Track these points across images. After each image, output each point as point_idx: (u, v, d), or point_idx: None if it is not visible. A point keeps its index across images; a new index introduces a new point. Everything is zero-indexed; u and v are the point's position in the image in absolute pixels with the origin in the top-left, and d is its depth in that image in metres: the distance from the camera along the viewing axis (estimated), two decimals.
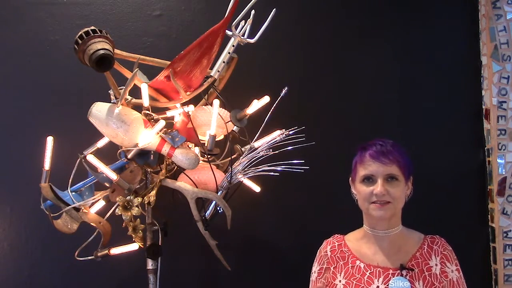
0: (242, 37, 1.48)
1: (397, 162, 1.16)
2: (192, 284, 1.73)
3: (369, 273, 1.16)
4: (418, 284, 1.11)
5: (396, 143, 1.20)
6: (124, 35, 1.77)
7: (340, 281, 1.19)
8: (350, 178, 1.26)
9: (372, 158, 1.16)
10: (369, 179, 1.16)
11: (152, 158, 1.38)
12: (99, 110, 1.29)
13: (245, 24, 1.48)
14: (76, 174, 1.38)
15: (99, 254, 1.40)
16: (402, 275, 1.13)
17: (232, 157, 1.44)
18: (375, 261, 1.18)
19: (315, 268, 1.27)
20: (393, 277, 1.13)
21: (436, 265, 1.15)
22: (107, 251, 1.39)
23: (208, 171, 1.39)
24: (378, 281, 1.14)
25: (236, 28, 1.47)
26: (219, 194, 1.41)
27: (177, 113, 1.47)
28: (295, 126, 1.43)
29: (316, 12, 1.85)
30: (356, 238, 1.25)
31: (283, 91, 1.47)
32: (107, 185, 1.37)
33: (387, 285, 1.13)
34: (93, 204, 1.41)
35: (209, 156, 1.40)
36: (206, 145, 1.40)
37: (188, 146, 1.42)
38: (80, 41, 1.23)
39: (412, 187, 1.22)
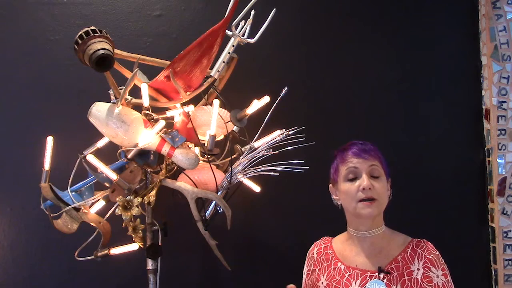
0: (242, 37, 1.48)
1: (378, 158, 1.17)
2: (192, 284, 1.73)
3: (348, 275, 1.15)
4: None
5: (374, 144, 1.21)
6: (124, 35, 1.77)
7: (322, 282, 1.19)
8: (330, 185, 1.26)
9: (354, 155, 1.17)
10: (353, 178, 1.16)
11: (152, 158, 1.38)
12: (99, 110, 1.29)
13: (245, 24, 1.48)
14: (76, 174, 1.38)
15: (99, 254, 1.40)
16: (379, 278, 1.11)
17: (232, 157, 1.44)
18: (354, 263, 1.17)
19: (304, 269, 1.29)
20: (371, 279, 1.11)
21: (418, 269, 1.10)
22: (107, 251, 1.39)
23: (208, 171, 1.39)
24: (355, 283, 1.13)
25: (236, 28, 1.47)
26: (219, 194, 1.41)
27: (177, 113, 1.46)
28: (295, 126, 1.43)
29: (316, 12, 1.85)
30: (341, 240, 1.25)
31: (283, 91, 1.47)
32: (107, 185, 1.37)
33: None
34: (93, 204, 1.41)
35: (209, 156, 1.40)
36: (206, 145, 1.40)
37: (188, 146, 1.42)
38: (80, 41, 1.23)
39: (391, 189, 1.21)
